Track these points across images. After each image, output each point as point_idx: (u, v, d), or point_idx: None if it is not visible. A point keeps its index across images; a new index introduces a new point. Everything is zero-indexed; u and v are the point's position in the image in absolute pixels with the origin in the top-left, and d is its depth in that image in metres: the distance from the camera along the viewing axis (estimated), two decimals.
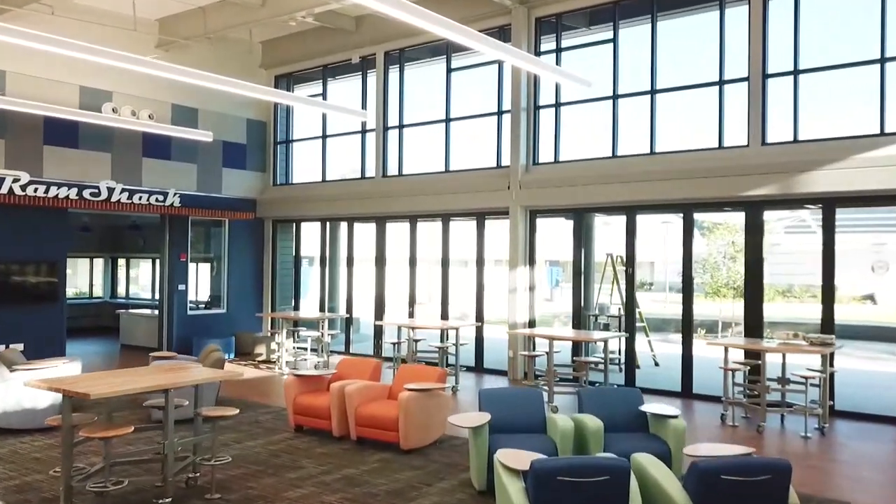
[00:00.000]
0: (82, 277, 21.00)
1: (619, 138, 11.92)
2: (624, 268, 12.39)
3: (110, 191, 13.22)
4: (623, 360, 11.92)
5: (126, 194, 13.43)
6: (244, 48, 15.42)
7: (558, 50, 12.55)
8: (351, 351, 15.20)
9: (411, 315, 14.11)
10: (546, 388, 9.97)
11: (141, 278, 21.17)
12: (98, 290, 21.01)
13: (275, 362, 13.40)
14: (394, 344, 11.97)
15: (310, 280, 17.14)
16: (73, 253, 19.80)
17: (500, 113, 13.20)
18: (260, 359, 14.29)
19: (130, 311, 16.91)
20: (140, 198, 13.68)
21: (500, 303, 13.39)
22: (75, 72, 13.14)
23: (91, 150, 13.56)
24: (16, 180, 11.99)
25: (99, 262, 20.97)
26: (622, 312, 12.82)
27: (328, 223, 15.99)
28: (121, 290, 20.91)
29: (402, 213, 14.35)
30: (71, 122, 13.08)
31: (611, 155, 11.93)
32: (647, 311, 13.43)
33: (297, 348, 13.74)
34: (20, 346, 12.51)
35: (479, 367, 13.15)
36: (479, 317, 13.18)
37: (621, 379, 11.58)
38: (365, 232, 15.40)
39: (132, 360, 13.99)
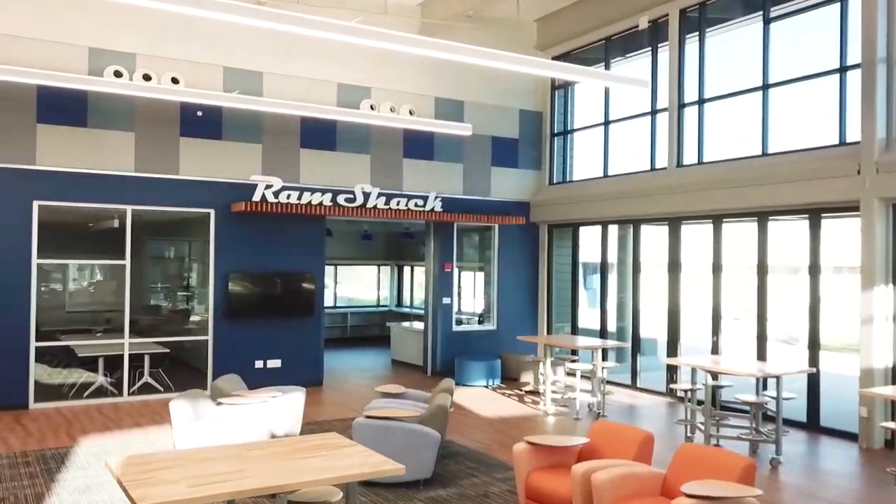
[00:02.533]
0: (370, 286, 20.83)
1: None
2: None
3: (366, 196, 12.04)
4: None
5: (383, 199, 12.16)
6: (512, 28, 13.44)
7: None
8: (637, 384, 12.37)
9: (714, 348, 10.86)
10: None
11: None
12: (385, 299, 20.68)
13: (541, 395, 11.09)
14: (686, 392, 8.93)
15: (591, 294, 14.59)
16: (357, 261, 19.67)
17: (842, 70, 9.48)
18: (527, 388, 12.13)
19: (402, 323, 15.89)
20: (398, 203, 12.33)
21: (845, 320, 9.68)
22: (333, 69, 12.22)
23: (349, 153, 12.56)
24: (268, 187, 11.27)
25: (385, 270, 20.63)
26: None
27: (609, 226, 13.30)
28: (405, 299, 20.32)
29: (701, 213, 11.18)
30: (328, 123, 12.18)
31: None
32: None
33: (567, 377, 11.31)
34: (278, 363, 11.86)
35: (812, 424, 9.52)
36: (814, 345, 9.56)
37: None
38: (655, 236, 12.47)
39: (390, 382, 12.71)
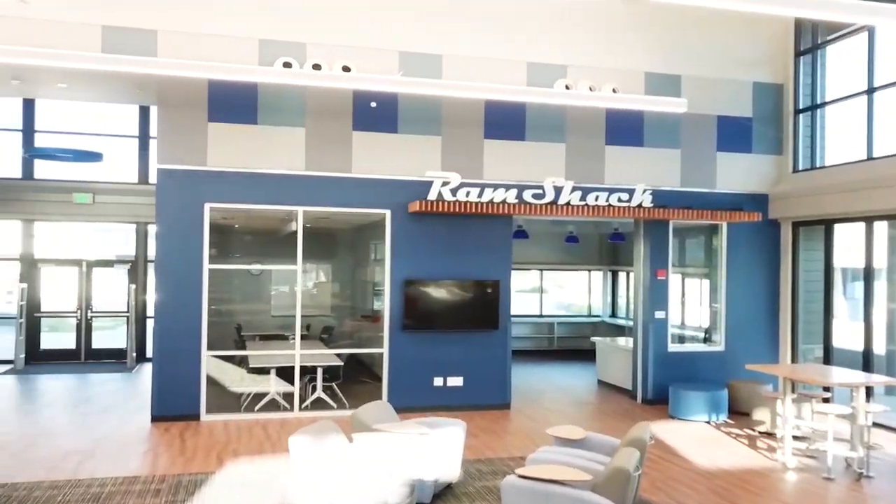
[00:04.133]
0: (580, 293, 18.94)
1: None
2: None
3: (557, 191, 10.32)
4: None
5: (578, 194, 10.37)
6: None
7: None
8: None
9: None
10: None
11: None
12: (597, 308, 18.67)
13: (780, 441, 8.60)
14: None
15: (851, 306, 11.57)
16: (564, 265, 17.90)
17: None
18: (760, 429, 9.63)
19: (607, 339, 13.85)
20: (596, 198, 10.47)
21: None
22: (522, 46, 10.67)
23: (541, 142, 10.92)
24: (445, 183, 9.98)
25: (597, 276, 18.62)
26: None
27: (875, 223, 10.31)
28: (621, 308, 18.16)
29: None
30: (516, 110, 10.70)
31: None
32: None
33: (817, 417, 8.68)
34: (459, 381, 10.54)
35: None
36: None
37: None
38: None
39: (582, 414, 10.88)
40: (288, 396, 10.26)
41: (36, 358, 14.69)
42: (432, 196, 9.95)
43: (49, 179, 14.91)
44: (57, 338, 15.18)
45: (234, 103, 9.84)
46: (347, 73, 9.73)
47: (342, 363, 10.54)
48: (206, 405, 9.81)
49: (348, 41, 10.04)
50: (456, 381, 10.55)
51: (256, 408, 10.15)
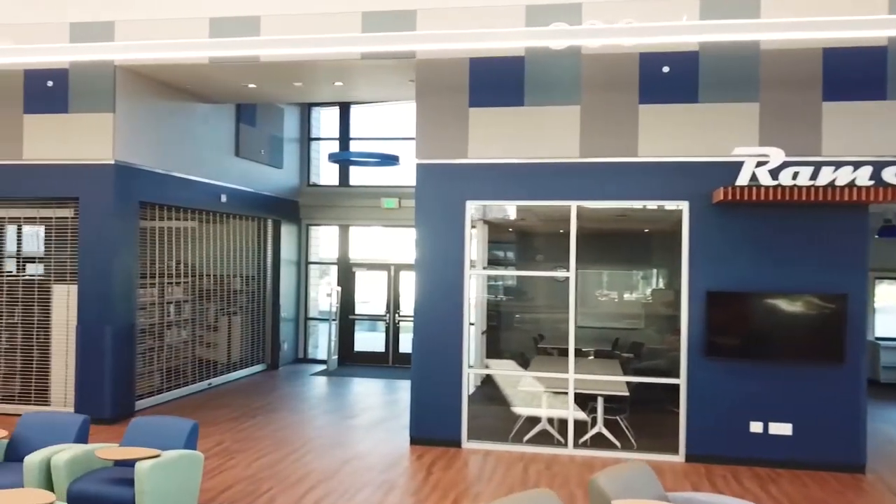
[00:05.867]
0: None
1: None
2: None
3: None
4: None
5: None
6: None
7: None
8: None
9: None
10: None
11: None
12: None
13: None
14: None
15: None
16: None
17: None
18: None
19: None
20: None
21: None
22: None
23: None
24: (761, 164, 7.46)
25: None
26: None
27: None
28: None
29: None
30: (872, 54, 7.74)
31: None
32: None
33: None
34: (787, 429, 7.89)
35: None
36: None
37: None
38: None
39: None
40: (566, 427, 8.59)
41: (350, 359, 15.05)
42: (742, 181, 7.51)
43: (362, 186, 15.24)
44: (369, 340, 15.45)
45: (497, 84, 8.52)
46: (629, 26, 7.77)
47: (627, 393, 8.55)
48: (468, 430, 8.60)
49: None
50: (782, 429, 7.88)
51: (525, 438, 8.67)
